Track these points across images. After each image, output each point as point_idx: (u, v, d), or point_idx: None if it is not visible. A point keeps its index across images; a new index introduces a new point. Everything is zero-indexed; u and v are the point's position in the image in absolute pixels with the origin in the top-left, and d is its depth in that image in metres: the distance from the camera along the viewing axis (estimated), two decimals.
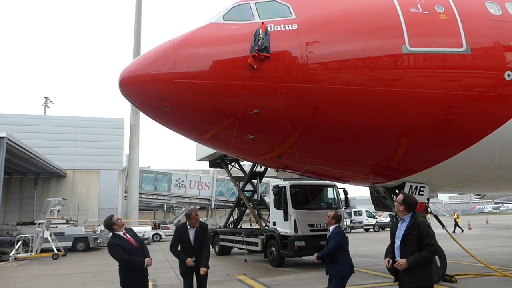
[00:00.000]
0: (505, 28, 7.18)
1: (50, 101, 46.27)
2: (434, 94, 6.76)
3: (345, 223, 13.84)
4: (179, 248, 5.86)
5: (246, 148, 7.96)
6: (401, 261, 4.30)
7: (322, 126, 6.97)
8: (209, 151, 17.22)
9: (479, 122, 7.15)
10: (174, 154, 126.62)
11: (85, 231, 22.21)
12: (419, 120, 6.97)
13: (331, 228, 5.89)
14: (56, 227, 20.50)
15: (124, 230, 5.26)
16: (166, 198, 38.39)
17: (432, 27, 6.93)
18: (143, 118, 30.70)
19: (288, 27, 6.64)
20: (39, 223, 19.25)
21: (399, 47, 6.66)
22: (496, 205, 73.70)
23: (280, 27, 6.64)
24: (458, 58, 6.80)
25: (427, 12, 6.97)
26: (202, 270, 5.69)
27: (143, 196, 36.45)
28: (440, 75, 6.78)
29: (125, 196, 33.43)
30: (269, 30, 6.55)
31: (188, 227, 5.83)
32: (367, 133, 7.08)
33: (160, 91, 6.63)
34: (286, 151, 7.67)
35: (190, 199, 38.62)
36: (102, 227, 22.15)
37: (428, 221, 6.02)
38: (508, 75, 6.90)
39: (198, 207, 42.32)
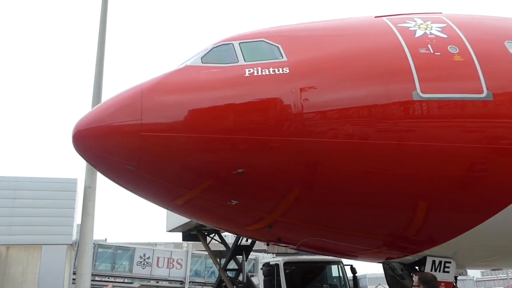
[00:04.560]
0: None
1: None
2: (454, 148, 6.90)
3: None
4: None
5: (229, 217, 7.88)
6: None
7: (321, 189, 6.99)
8: (182, 220, 16.95)
9: (511, 180, 7.27)
10: (138, 224, 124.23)
11: None
12: (439, 179, 7.05)
13: None
14: None
15: None
16: (126, 280, 36.97)
17: (446, 70, 7.23)
18: (101, 178, 30.37)
19: (279, 70, 6.88)
20: None
21: (410, 93, 6.89)
22: None
23: (269, 71, 6.87)
24: (479, 105, 7.05)
25: (439, 54, 7.32)
26: None
27: (96, 278, 34.96)
28: (459, 125, 6.99)
29: (74, 279, 32.02)
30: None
31: None
32: (376, 196, 7.11)
33: (122, 146, 6.64)
34: (278, 220, 7.59)
35: (157, 282, 37.23)
36: None
37: None
38: None
39: None
